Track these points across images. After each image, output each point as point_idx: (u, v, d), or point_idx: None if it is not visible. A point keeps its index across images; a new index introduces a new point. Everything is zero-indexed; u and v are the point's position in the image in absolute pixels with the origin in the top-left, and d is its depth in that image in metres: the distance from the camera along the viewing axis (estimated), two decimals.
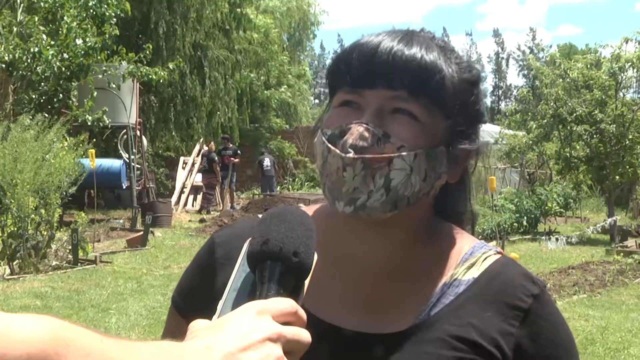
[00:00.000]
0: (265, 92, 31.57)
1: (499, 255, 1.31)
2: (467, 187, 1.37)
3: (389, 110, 1.21)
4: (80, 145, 13.19)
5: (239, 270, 1.06)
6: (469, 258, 1.29)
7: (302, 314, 0.97)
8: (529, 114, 19.35)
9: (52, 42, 15.17)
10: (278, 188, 26.98)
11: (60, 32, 15.45)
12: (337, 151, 1.20)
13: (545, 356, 1.24)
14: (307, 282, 1.05)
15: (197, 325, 0.95)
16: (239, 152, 23.55)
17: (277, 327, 0.92)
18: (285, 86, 33.80)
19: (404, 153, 1.19)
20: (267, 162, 24.88)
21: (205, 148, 22.58)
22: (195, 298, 1.34)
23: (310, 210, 1.36)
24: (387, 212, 1.22)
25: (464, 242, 1.32)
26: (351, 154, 1.19)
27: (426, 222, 1.31)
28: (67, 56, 15.30)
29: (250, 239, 1.07)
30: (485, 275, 1.26)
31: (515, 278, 1.26)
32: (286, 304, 0.96)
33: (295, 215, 1.08)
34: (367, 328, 1.24)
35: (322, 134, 1.24)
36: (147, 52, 17.47)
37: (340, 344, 1.23)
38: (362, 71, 1.22)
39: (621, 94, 17.06)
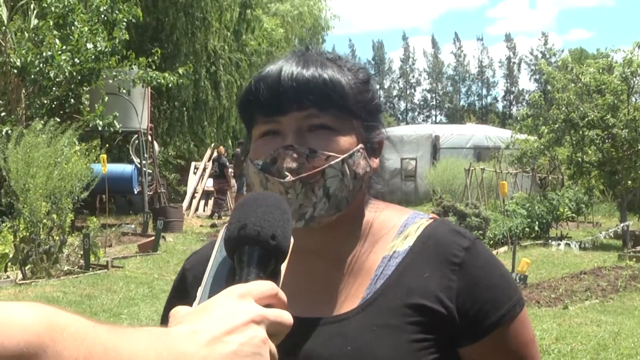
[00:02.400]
0: None
1: (431, 220, 1.44)
2: (383, 165, 1.50)
3: (307, 128, 1.34)
4: (92, 150, 13.24)
5: (217, 257, 1.07)
6: (404, 230, 1.42)
7: (283, 296, 0.98)
8: (541, 118, 19.28)
9: (64, 47, 15.24)
10: None
11: (71, 37, 15.53)
12: (275, 179, 1.33)
13: (484, 301, 1.33)
14: (284, 265, 1.06)
15: (180, 312, 0.96)
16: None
17: (260, 310, 0.93)
18: None
19: (332, 162, 1.33)
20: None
21: (215, 153, 22.56)
22: None
23: None
24: (332, 216, 1.36)
25: (399, 215, 1.46)
26: (289, 177, 1.32)
27: (362, 207, 1.44)
28: (78, 61, 15.37)
29: (226, 224, 1.08)
30: (419, 240, 1.39)
31: (446, 236, 1.39)
32: (267, 287, 0.97)
33: (271, 199, 1.09)
34: (320, 313, 1.35)
35: (254, 165, 1.37)
36: (156, 57, 17.53)
37: (293, 330, 1.27)
38: (272, 101, 1.34)
39: (633, 99, 17.00)
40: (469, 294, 1.32)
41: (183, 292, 1.46)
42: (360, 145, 1.38)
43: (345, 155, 1.34)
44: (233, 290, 0.95)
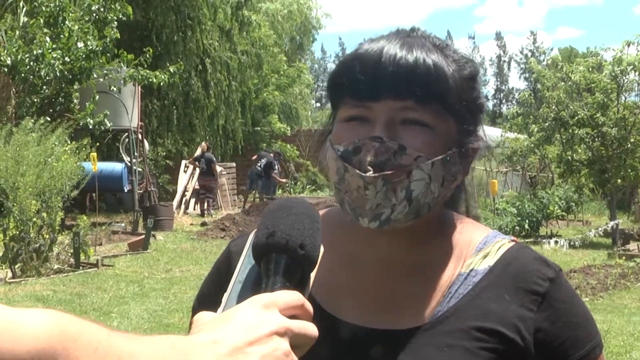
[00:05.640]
0: (265, 94, 31.47)
1: (513, 243, 1.32)
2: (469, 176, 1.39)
3: (400, 121, 1.20)
4: (83, 148, 13.21)
5: (244, 263, 1.05)
6: (484, 247, 1.30)
7: (309, 307, 0.96)
8: (531, 117, 19.35)
9: (54, 46, 15.20)
10: (280, 191, 26.91)
11: (62, 35, 15.48)
12: (356, 171, 1.20)
13: (565, 338, 1.24)
14: (313, 274, 1.03)
15: (203, 318, 0.95)
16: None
17: (284, 321, 0.91)
18: (281, 87, 33.47)
19: (421, 163, 1.20)
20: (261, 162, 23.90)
21: (199, 150, 22.29)
22: (212, 304, 1.35)
23: (325, 212, 1.38)
24: (410, 221, 1.23)
25: (477, 232, 1.33)
26: (371, 173, 1.19)
27: (439, 217, 1.32)
28: (68, 59, 15.32)
29: (255, 230, 1.06)
30: (500, 263, 1.27)
31: (530, 263, 1.27)
32: (293, 297, 0.95)
33: (301, 206, 1.06)
34: (386, 325, 1.25)
35: (334, 150, 1.24)
36: (148, 55, 17.50)
37: (358, 341, 1.24)
38: (367, 84, 1.20)
39: (623, 97, 17.05)
40: (549, 328, 1.23)
41: (227, 274, 1.26)
42: (454, 149, 1.25)
43: (436, 158, 1.21)
44: (257, 300, 0.93)
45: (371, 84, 1.20)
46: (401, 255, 1.29)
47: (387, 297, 1.27)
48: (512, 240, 1.33)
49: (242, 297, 0.98)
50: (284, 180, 24.02)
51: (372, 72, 1.20)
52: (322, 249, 1.04)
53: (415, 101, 1.19)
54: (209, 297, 1.37)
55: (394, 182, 1.19)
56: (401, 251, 1.29)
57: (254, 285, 1.00)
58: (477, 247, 1.30)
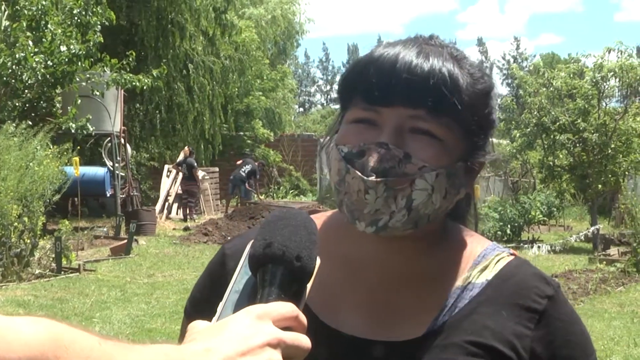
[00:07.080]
0: (250, 98, 31.40)
1: (512, 257, 1.30)
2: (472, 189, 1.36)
3: (408, 129, 1.19)
4: (65, 153, 13.15)
5: (241, 273, 1.05)
6: (482, 261, 1.28)
7: (303, 319, 0.96)
8: (513, 122, 19.43)
9: (37, 50, 15.11)
10: (263, 196, 26.86)
11: (44, 39, 15.40)
12: (359, 174, 1.18)
13: (562, 357, 1.23)
14: (309, 286, 1.04)
15: (197, 327, 0.95)
16: None
17: (277, 332, 0.92)
18: (265, 92, 33.35)
19: (425, 173, 1.18)
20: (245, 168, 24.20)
21: (182, 155, 22.17)
22: (206, 308, 1.26)
23: (322, 217, 1.37)
24: (408, 231, 1.21)
25: (476, 244, 1.32)
26: (373, 177, 1.17)
27: (440, 228, 1.30)
28: (51, 63, 15.25)
29: (252, 241, 1.05)
30: (498, 278, 1.26)
31: (529, 279, 1.26)
32: (287, 309, 0.95)
33: (298, 218, 1.06)
34: (381, 335, 1.23)
35: (338, 150, 1.22)
36: (131, 58, 17.45)
37: (353, 352, 1.23)
38: (379, 89, 1.19)
39: (604, 103, 17.17)
40: (546, 347, 1.22)
41: (220, 277, 1.30)
42: (461, 163, 1.23)
43: (441, 169, 1.19)
44: (251, 310, 0.94)
45: (384, 89, 1.18)
46: (399, 264, 1.27)
47: (382, 308, 1.26)
48: (511, 254, 1.31)
49: (237, 307, 0.98)
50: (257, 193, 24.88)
51: (385, 78, 1.18)
52: (318, 261, 1.04)
53: (426, 111, 1.17)
54: (203, 301, 1.36)
55: (396, 189, 1.17)
56: (399, 259, 1.27)
57: (250, 296, 1.01)
58: (476, 259, 1.29)
